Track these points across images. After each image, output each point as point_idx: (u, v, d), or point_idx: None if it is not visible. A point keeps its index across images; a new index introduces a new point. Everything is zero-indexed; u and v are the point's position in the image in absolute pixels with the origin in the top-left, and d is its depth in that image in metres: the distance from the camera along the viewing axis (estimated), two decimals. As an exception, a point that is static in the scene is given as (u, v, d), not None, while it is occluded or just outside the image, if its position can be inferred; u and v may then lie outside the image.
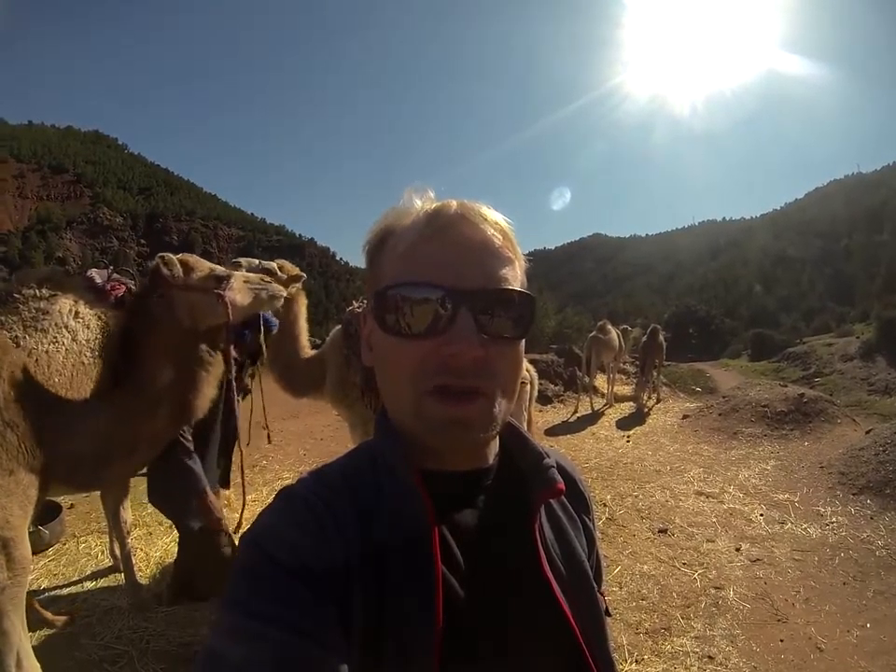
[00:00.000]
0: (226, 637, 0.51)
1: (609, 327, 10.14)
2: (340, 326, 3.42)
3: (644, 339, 11.14)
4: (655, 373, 10.81)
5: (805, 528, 4.68)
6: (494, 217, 0.64)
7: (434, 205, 0.65)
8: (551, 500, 0.72)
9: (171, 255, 2.21)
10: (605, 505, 5.22)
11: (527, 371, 4.13)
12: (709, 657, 2.99)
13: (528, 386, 4.12)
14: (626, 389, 11.61)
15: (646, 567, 3.98)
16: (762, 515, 5.03)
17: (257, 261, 3.04)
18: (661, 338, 10.82)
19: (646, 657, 2.97)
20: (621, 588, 3.72)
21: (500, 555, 0.65)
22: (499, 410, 0.62)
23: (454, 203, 0.64)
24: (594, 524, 0.83)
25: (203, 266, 2.23)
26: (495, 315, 0.60)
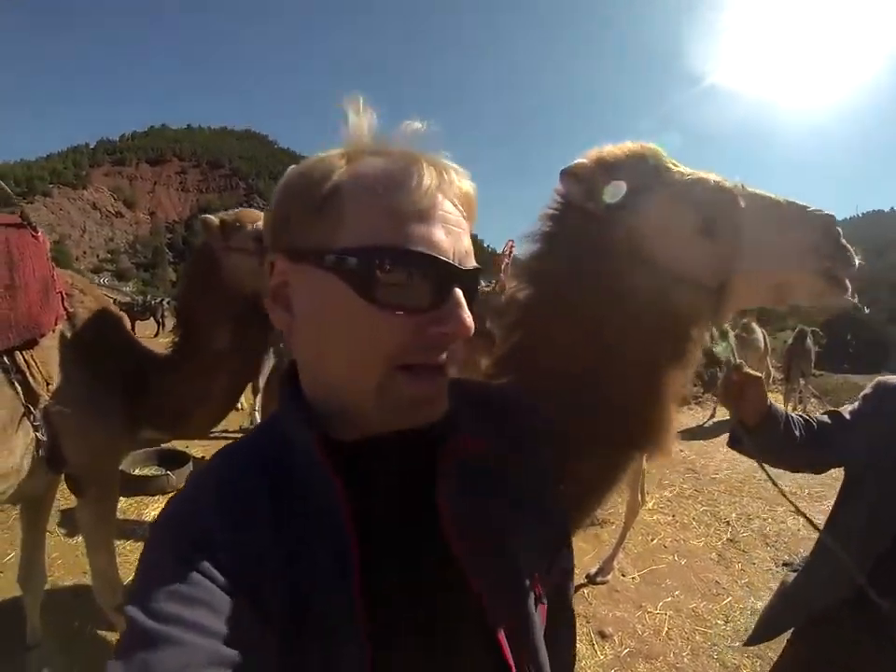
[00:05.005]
0: (127, 640, 0.46)
1: (755, 325, 9.21)
2: None
3: (790, 342, 10.03)
4: (802, 381, 9.65)
5: None
6: (466, 189, 0.61)
7: (409, 162, 0.56)
8: (474, 452, 0.64)
9: (211, 217, 2.13)
10: (727, 524, 4.71)
11: None
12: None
13: None
14: (776, 396, 10.41)
15: (760, 603, 3.40)
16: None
17: None
18: (809, 342, 9.72)
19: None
20: (726, 623, 3.29)
21: (413, 527, 0.61)
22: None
23: (428, 167, 0.56)
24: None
25: (247, 225, 2.10)
26: (472, 295, 0.59)
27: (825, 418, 1.45)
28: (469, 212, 0.61)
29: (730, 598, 3.51)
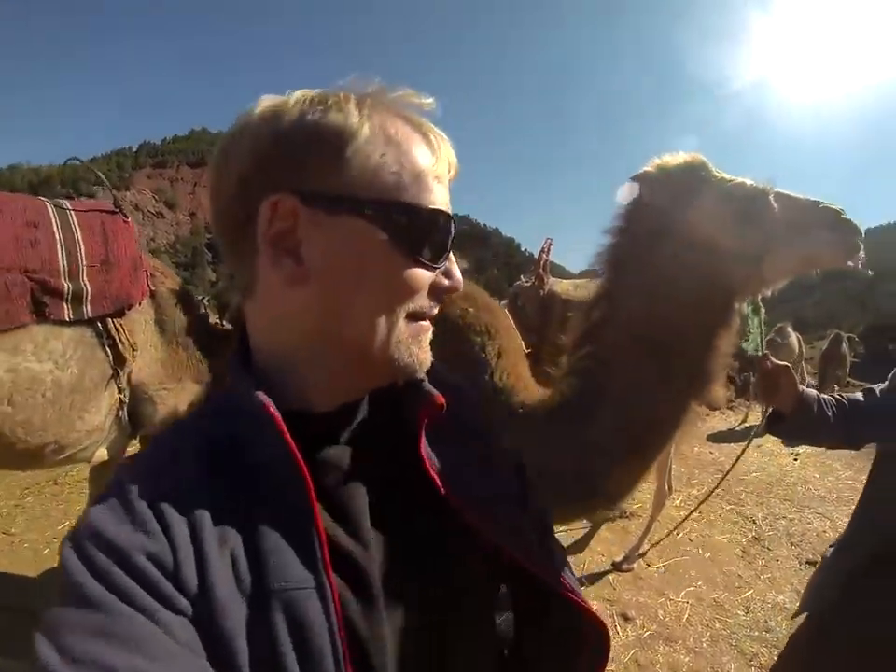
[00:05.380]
0: None
1: (789, 330, 9.11)
2: (506, 300, 3.47)
3: (825, 347, 9.89)
4: (837, 389, 9.51)
5: None
6: (454, 158, 0.62)
7: (428, 128, 0.60)
8: (437, 420, 0.65)
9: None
10: (753, 522, 4.73)
11: None
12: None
13: None
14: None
15: (781, 597, 3.53)
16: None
17: None
18: (844, 348, 9.58)
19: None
20: (746, 613, 3.36)
21: (391, 486, 0.61)
22: None
23: (438, 133, 0.60)
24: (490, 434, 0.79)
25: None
26: None
27: (859, 395, 1.50)
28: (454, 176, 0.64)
29: (751, 591, 3.57)
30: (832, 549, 1.58)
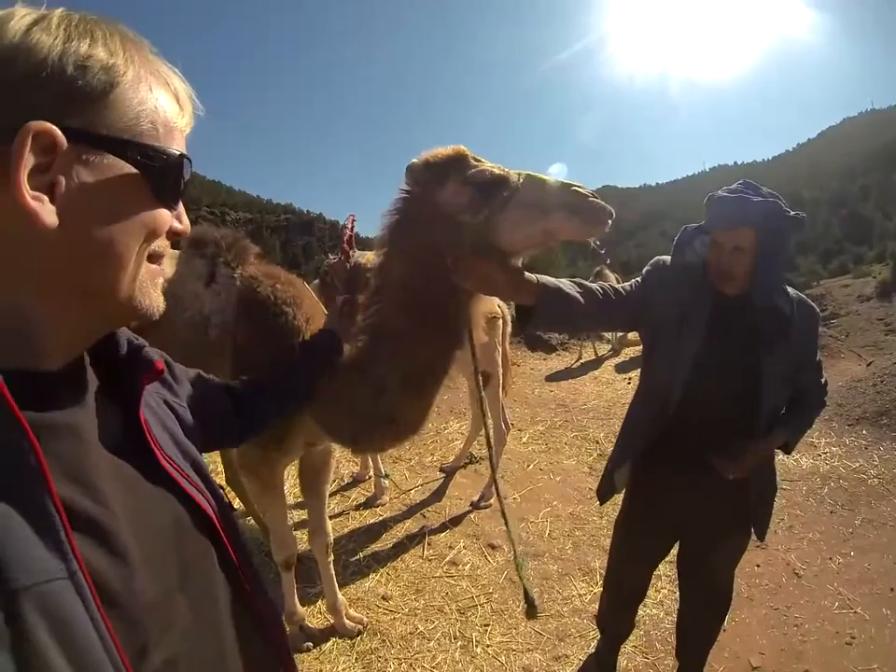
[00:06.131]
0: None
1: (607, 272, 9.83)
2: (318, 280, 3.48)
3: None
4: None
5: (797, 459, 4.62)
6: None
7: (184, 85, 0.63)
8: (154, 385, 0.74)
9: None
10: (597, 442, 5.26)
11: (499, 306, 4.05)
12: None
13: (500, 321, 4.07)
14: (634, 334, 11.33)
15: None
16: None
17: None
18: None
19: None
20: (601, 518, 3.79)
21: (115, 452, 0.60)
22: None
23: (190, 91, 0.63)
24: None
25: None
26: None
27: (608, 287, 1.81)
28: None
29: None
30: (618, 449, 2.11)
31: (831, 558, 3.35)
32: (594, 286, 1.77)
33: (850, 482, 4.28)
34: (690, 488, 1.91)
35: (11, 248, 0.51)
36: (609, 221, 1.39)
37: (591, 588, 3.10)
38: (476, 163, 1.48)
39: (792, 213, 1.66)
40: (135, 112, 0.55)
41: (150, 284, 0.61)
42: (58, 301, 0.54)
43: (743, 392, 1.77)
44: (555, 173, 1.55)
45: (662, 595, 3.02)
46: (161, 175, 0.58)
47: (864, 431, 5.11)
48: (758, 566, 3.27)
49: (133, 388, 0.66)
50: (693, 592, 2.20)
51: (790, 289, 1.80)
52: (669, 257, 1.88)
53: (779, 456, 4.56)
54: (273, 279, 2.02)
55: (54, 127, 0.48)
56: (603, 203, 1.39)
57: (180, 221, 0.64)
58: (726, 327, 1.76)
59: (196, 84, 0.64)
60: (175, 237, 0.65)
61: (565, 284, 1.67)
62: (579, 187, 1.41)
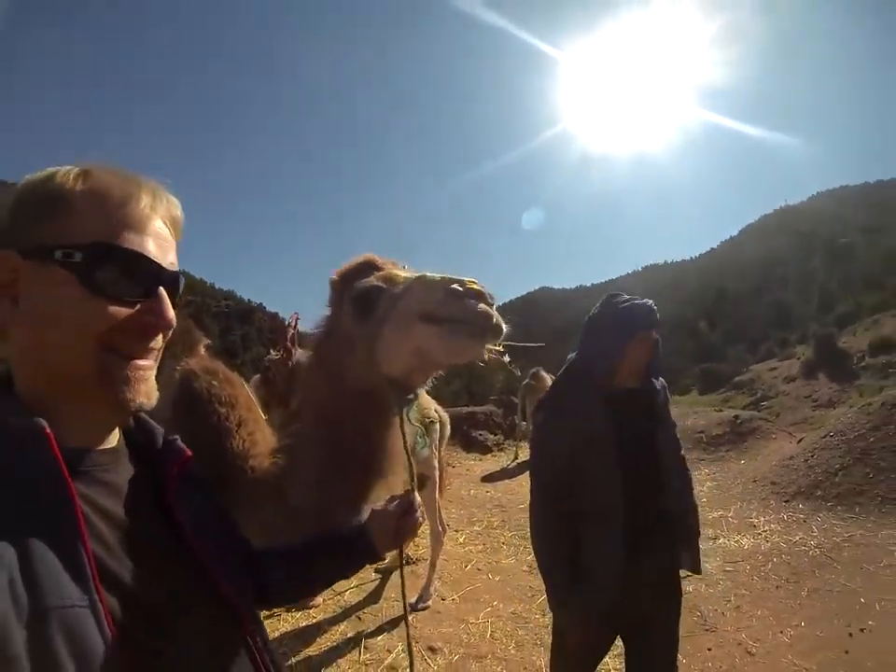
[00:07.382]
0: None
1: (543, 374, 10.02)
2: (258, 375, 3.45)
3: (524, 382, 10.20)
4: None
5: (738, 540, 4.64)
6: (175, 213, 0.75)
7: (134, 184, 0.69)
8: (184, 475, 0.78)
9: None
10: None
11: (436, 411, 4.16)
12: None
13: (437, 425, 4.13)
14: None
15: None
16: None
17: None
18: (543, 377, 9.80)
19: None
20: (543, 615, 3.61)
21: (144, 530, 0.67)
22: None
23: (148, 190, 0.69)
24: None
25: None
26: (174, 297, 0.71)
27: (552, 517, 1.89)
28: (176, 232, 0.73)
29: (544, 597, 3.74)
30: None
31: (782, 631, 3.28)
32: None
33: (792, 555, 4.29)
34: (630, 585, 1.83)
35: (13, 344, 0.65)
36: (494, 334, 1.06)
37: (538, 688, 2.88)
38: (380, 271, 1.27)
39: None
40: (79, 221, 0.64)
41: (123, 381, 0.64)
42: (53, 387, 0.64)
43: (652, 467, 1.89)
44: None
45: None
46: (84, 268, 0.62)
47: (801, 505, 5.19)
48: (709, 649, 3.17)
49: (166, 473, 0.75)
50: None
51: None
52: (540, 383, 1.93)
53: (720, 539, 4.61)
54: (212, 375, 1.79)
55: (13, 252, 0.63)
56: (487, 308, 1.06)
57: (149, 314, 0.66)
58: (628, 416, 1.87)
59: (140, 167, 0.59)
60: (153, 332, 0.67)
61: None
62: (470, 282, 1.08)
